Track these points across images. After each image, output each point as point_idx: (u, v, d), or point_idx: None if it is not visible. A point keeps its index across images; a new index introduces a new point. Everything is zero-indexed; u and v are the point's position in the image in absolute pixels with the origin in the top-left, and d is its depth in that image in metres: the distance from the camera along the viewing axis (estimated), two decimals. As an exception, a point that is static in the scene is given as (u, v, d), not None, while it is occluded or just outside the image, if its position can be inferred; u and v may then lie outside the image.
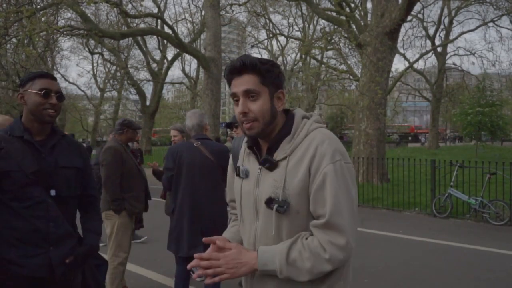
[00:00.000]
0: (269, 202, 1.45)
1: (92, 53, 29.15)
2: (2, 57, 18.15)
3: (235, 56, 38.01)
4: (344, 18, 12.90)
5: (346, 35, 14.63)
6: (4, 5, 12.25)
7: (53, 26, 12.70)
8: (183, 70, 33.91)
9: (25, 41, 14.82)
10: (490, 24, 25.27)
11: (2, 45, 13.62)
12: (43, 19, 12.54)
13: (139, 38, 23.18)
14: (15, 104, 30.95)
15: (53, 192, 2.05)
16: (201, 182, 3.46)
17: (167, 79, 29.95)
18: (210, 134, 3.96)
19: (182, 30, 35.73)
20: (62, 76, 33.37)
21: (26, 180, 1.99)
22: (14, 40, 14.18)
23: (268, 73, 1.47)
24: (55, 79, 2.17)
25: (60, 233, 2.07)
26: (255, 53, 32.76)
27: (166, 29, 17.77)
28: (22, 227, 2.01)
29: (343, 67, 26.07)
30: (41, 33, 11.82)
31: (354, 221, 1.41)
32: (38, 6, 12.36)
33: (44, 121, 2.06)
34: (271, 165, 1.48)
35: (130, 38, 22.59)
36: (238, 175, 1.60)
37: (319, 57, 28.07)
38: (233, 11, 22.28)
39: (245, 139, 1.64)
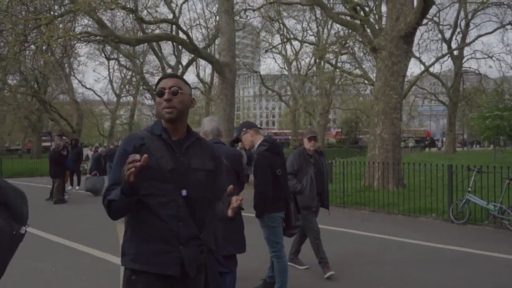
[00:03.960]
0: None
1: (108, 59, 29.59)
2: (21, 64, 18.47)
3: (249, 61, 38.25)
4: (358, 22, 12.83)
5: (360, 39, 14.56)
6: (23, 12, 12.50)
7: (70, 33, 12.94)
8: (198, 75, 34.15)
9: (43, 48, 15.12)
10: (508, 27, 24.92)
11: (21, 51, 13.92)
12: (60, 26, 12.78)
13: (154, 43, 23.42)
14: (33, 109, 31.58)
15: (184, 192, 2.08)
16: None
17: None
18: (224, 139, 4.00)
19: (197, 35, 36.01)
20: (79, 81, 34.06)
21: (163, 177, 2.05)
22: (32, 47, 14.47)
23: None
24: (173, 76, 2.20)
25: (188, 234, 2.10)
26: (269, 58, 32.83)
27: (181, 35, 17.92)
28: (155, 223, 2.07)
29: (357, 71, 25.94)
30: (59, 40, 12.03)
31: None
32: (56, 13, 12.60)
33: (165, 119, 2.11)
34: None
35: (146, 44, 22.85)
36: None
37: (333, 62, 27.98)
38: (247, 16, 22.38)
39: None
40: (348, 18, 13.90)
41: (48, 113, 28.20)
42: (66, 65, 28.34)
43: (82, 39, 14.10)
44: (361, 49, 21.17)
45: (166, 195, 2.07)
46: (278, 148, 4.13)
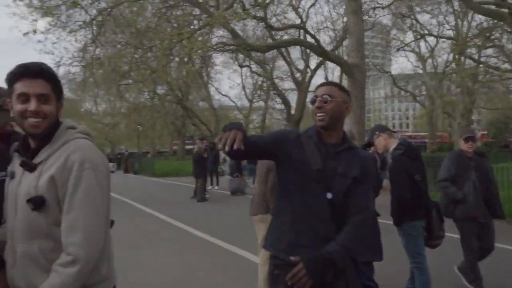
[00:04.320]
0: (28, 199, 1.57)
1: (241, 66, 31.31)
2: (167, 75, 20.66)
3: (380, 61, 36.80)
4: (506, 10, 11.41)
5: (509, 29, 12.91)
6: (169, 29, 14.03)
7: (208, 44, 14.11)
8: (326, 78, 34.03)
9: (185, 59, 16.75)
10: None
11: (168, 64, 15.62)
12: (199, 38, 14.02)
13: (283, 49, 24.10)
14: (178, 116, 35.12)
15: (329, 195, 2.11)
16: None
17: (311, 88, 30.38)
18: (357, 142, 3.94)
19: (324, 38, 36.07)
20: (216, 89, 36.65)
21: (309, 175, 2.13)
22: (176, 59, 16.13)
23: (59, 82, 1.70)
24: (328, 84, 2.30)
25: (327, 233, 2.11)
26: (401, 57, 31.21)
27: (309, 39, 18.12)
28: (297, 219, 2.16)
29: (506, 66, 23.06)
30: (198, 51, 13.20)
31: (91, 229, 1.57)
32: (195, 27, 13.87)
33: (317, 126, 2.21)
34: (28, 168, 1.63)
35: (275, 50, 23.65)
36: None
37: (475, 56, 25.29)
38: (376, 14, 21.63)
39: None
40: (493, 7, 12.46)
41: (190, 118, 31.10)
42: (204, 74, 30.90)
43: (218, 49, 15.24)
44: (510, 41, 18.76)
45: (310, 194, 2.12)
46: (415, 152, 3.87)
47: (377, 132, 3.99)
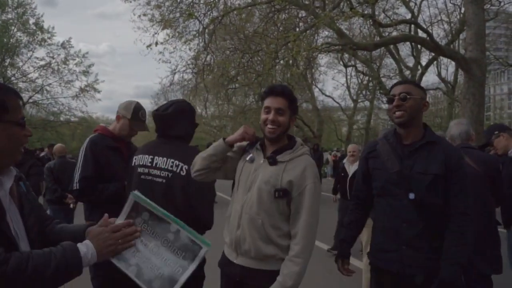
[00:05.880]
0: (268, 185, 2.11)
1: (346, 66, 30.70)
2: (273, 77, 21.08)
3: (503, 54, 33.30)
4: None
5: None
6: (276, 33, 14.29)
7: (313, 46, 14.06)
8: (439, 74, 31.72)
9: (290, 62, 16.90)
10: None
11: (273, 67, 15.92)
12: (305, 40, 14.04)
13: (391, 46, 23.05)
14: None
15: (411, 196, 2.15)
16: None
17: (422, 86, 28.69)
18: (474, 143, 3.61)
19: (438, 32, 33.49)
20: (320, 90, 36.38)
21: (388, 178, 2.24)
22: (282, 62, 16.36)
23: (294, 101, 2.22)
24: (404, 82, 2.42)
25: (412, 235, 2.16)
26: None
27: (420, 34, 17.06)
28: (384, 223, 2.30)
29: None
30: (303, 53, 13.23)
31: (310, 230, 2.13)
32: (301, 29, 13.91)
33: (396, 124, 2.33)
34: (273, 162, 2.15)
35: (382, 48, 22.72)
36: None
37: None
38: (500, 2, 19.52)
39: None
40: None
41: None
42: (308, 75, 30.90)
43: (323, 50, 15.10)
44: None
45: (392, 196, 2.21)
46: None
47: (496, 132, 3.70)
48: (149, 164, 2.61)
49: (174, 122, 2.64)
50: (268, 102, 2.18)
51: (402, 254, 2.15)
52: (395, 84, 2.33)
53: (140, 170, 2.64)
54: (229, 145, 2.24)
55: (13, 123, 1.44)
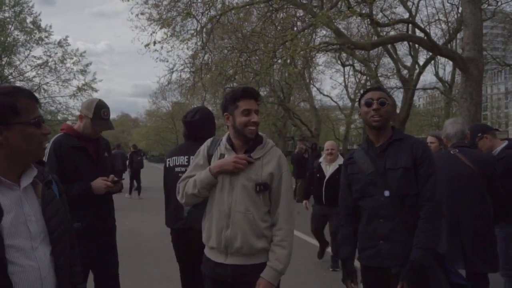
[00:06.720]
0: (250, 181, 2.25)
1: (344, 65, 30.72)
2: (270, 77, 21.06)
3: (500, 54, 33.42)
4: None
5: None
6: (273, 32, 14.28)
7: (311, 45, 14.05)
8: (436, 74, 31.78)
9: (288, 61, 16.89)
10: None
11: (271, 66, 15.91)
12: (303, 39, 14.03)
13: (389, 46, 23.07)
14: (279, 117, 35.64)
15: (386, 193, 2.29)
16: (458, 192, 3.19)
17: (419, 85, 28.72)
18: (470, 142, 3.63)
19: (436, 31, 33.63)
20: (317, 89, 36.42)
21: (366, 180, 2.38)
22: (279, 61, 16.35)
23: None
24: (379, 89, 2.58)
25: (388, 229, 2.29)
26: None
27: (418, 33, 17.08)
28: (363, 222, 2.44)
29: None
30: (301, 52, 13.22)
31: (290, 215, 2.29)
32: (299, 29, 13.90)
33: (372, 127, 2.45)
34: (252, 159, 2.28)
35: (380, 47, 22.73)
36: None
37: None
38: (497, 2, 19.57)
39: (224, 140, 2.42)
40: None
41: (291, 119, 31.39)
42: (306, 75, 30.90)
43: (321, 49, 15.10)
44: None
45: (371, 196, 2.34)
46: None
47: (479, 134, 3.71)
48: (186, 163, 3.00)
49: (202, 126, 3.13)
50: (246, 104, 2.29)
51: (380, 248, 2.29)
52: (372, 89, 2.49)
53: (177, 169, 3.04)
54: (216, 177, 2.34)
55: (27, 124, 1.50)
